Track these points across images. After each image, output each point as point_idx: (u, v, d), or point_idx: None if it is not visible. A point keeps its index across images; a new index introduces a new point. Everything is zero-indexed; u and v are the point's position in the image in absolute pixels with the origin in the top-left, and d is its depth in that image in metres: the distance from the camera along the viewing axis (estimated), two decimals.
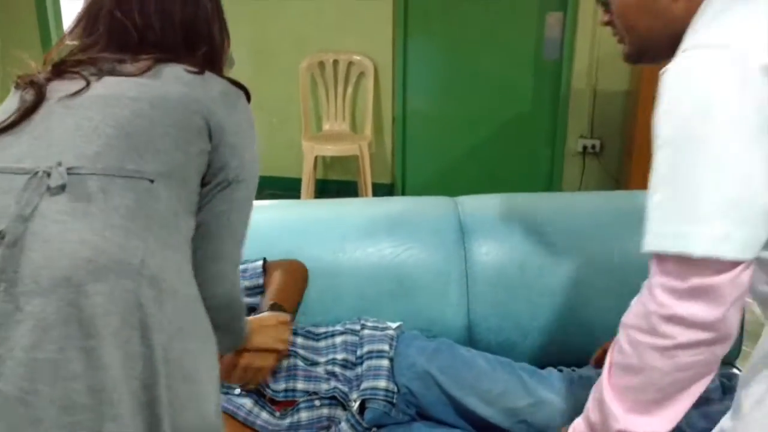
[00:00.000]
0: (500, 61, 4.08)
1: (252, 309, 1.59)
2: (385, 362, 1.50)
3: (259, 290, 1.62)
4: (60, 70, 1.04)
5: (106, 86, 1.00)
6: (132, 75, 1.01)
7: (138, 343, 0.88)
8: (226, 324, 1.12)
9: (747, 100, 0.81)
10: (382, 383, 1.46)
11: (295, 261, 1.67)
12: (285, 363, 1.50)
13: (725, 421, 0.99)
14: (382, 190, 4.30)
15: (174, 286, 0.93)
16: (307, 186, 4.11)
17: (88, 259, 0.87)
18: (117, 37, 1.06)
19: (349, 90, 4.24)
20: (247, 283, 1.62)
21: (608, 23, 1.08)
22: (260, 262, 1.63)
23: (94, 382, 0.85)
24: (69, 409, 0.84)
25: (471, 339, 1.74)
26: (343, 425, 1.42)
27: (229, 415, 1.40)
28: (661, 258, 0.86)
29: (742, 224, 0.83)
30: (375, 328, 1.59)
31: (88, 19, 1.08)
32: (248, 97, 1.12)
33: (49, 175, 0.91)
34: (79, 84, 1.00)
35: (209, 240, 1.05)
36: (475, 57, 4.11)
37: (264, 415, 1.41)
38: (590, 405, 0.98)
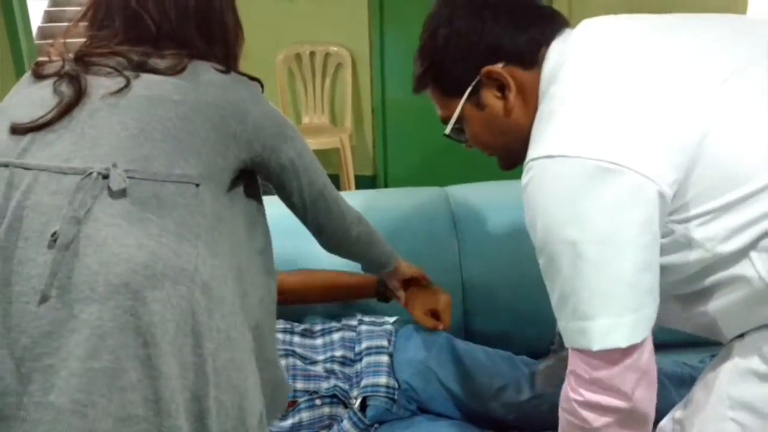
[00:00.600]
0: None
1: None
2: (385, 358, 1.49)
3: None
4: (86, 62, 1.00)
5: (149, 86, 0.98)
6: (167, 73, 1.00)
7: (190, 352, 0.86)
8: (374, 243, 1.33)
9: (592, 203, 0.87)
10: (383, 380, 1.45)
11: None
12: (283, 362, 1.47)
13: (677, 411, 1.02)
14: (364, 182, 4.27)
15: (222, 294, 0.92)
16: None
17: (145, 265, 0.85)
18: (134, 29, 1.03)
19: (327, 82, 4.20)
20: None
21: (471, 147, 1.17)
22: None
23: (151, 392, 0.83)
24: (126, 421, 0.82)
25: (467, 330, 1.73)
26: (346, 423, 1.40)
27: None
28: (572, 350, 0.94)
29: (625, 312, 0.89)
30: (372, 323, 1.58)
31: (101, 9, 1.06)
32: (262, 87, 1.14)
33: (104, 176, 0.88)
34: (119, 81, 0.97)
35: (314, 205, 1.16)
36: None
37: None
38: None
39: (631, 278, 0.88)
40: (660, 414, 1.03)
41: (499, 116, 1.07)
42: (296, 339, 1.55)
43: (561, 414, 1.01)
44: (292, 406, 1.41)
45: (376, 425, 1.43)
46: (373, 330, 1.55)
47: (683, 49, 0.95)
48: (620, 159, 0.86)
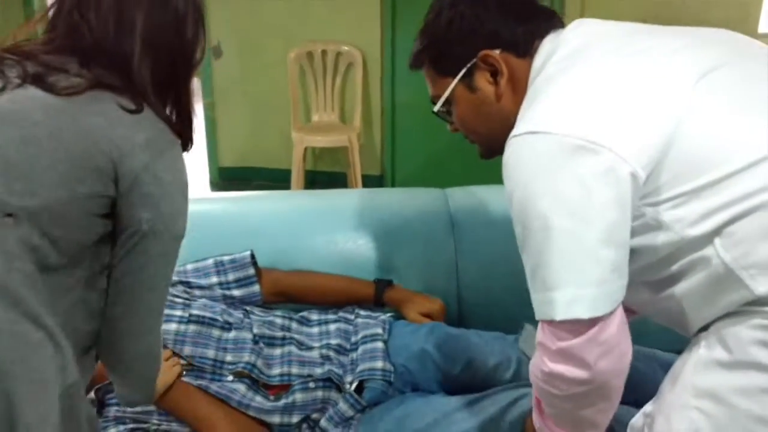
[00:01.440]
0: None
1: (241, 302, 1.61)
2: (380, 344, 1.53)
3: (252, 280, 1.64)
4: None
5: (14, 100, 0.93)
6: (60, 93, 0.93)
7: None
8: (141, 375, 1.09)
9: (567, 178, 0.91)
10: (379, 364, 1.50)
11: None
12: (279, 351, 1.52)
13: (647, 406, 1.05)
14: (371, 181, 4.31)
15: None
16: (296, 177, 4.11)
17: None
18: (70, 38, 0.99)
19: (338, 80, 4.24)
20: (239, 274, 1.64)
21: (456, 130, 1.21)
22: (248, 252, 1.65)
23: None
24: None
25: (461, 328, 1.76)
26: (342, 405, 1.44)
27: (222, 400, 1.41)
28: (541, 322, 0.99)
29: (587, 285, 0.92)
30: (368, 317, 1.62)
31: (54, 13, 1.02)
32: (186, 145, 1.05)
33: None
34: None
35: (126, 294, 1.00)
36: None
37: (258, 398, 1.43)
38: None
39: (595, 252, 0.92)
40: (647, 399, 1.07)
41: (488, 101, 1.12)
42: (294, 325, 1.59)
43: (532, 381, 1.07)
44: (286, 389, 1.45)
45: (372, 407, 1.46)
46: (368, 322, 1.60)
47: (663, 48, 1.00)
48: (597, 138, 0.90)
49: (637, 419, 1.06)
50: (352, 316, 1.63)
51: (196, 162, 4.92)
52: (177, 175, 1.01)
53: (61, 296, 0.96)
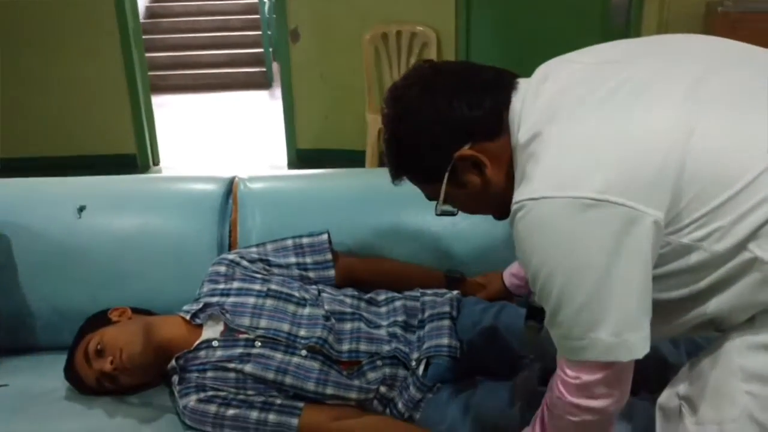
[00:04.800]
0: (565, 28, 4.00)
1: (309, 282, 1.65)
2: (447, 322, 1.55)
3: (329, 264, 1.68)
4: None
5: None
6: None
7: None
8: None
9: (585, 240, 0.93)
10: (445, 340, 1.51)
11: None
12: (349, 326, 1.56)
13: (680, 387, 1.05)
14: None
15: None
16: (371, 158, 4.16)
17: None
18: None
19: (413, 61, 4.24)
20: (317, 258, 1.68)
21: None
22: (325, 236, 1.69)
23: None
24: None
25: None
26: (412, 389, 1.47)
27: (301, 379, 1.46)
28: (567, 360, 1.02)
29: (629, 332, 0.96)
30: (435, 295, 1.64)
31: None
32: None
33: None
34: None
35: None
36: (540, 25, 4.05)
37: (333, 374, 1.47)
38: None
39: (631, 300, 0.95)
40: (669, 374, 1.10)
41: (480, 189, 1.11)
42: (363, 305, 1.63)
43: (550, 406, 1.09)
44: (356, 366, 1.49)
45: (438, 385, 1.47)
46: (436, 300, 1.62)
47: (639, 78, 0.99)
48: (599, 194, 0.91)
49: (669, 399, 1.06)
50: (418, 294, 1.66)
51: (275, 144, 5.05)
52: None
53: None
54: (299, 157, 4.64)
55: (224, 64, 7.62)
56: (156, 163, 4.81)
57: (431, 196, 1.17)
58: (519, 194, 0.99)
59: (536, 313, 1.34)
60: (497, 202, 1.12)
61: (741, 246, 0.90)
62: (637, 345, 0.96)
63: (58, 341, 1.74)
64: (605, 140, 0.94)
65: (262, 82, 7.53)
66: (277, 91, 7.16)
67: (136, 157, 4.65)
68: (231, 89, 7.39)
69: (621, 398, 1.04)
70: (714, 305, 0.97)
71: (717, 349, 1.00)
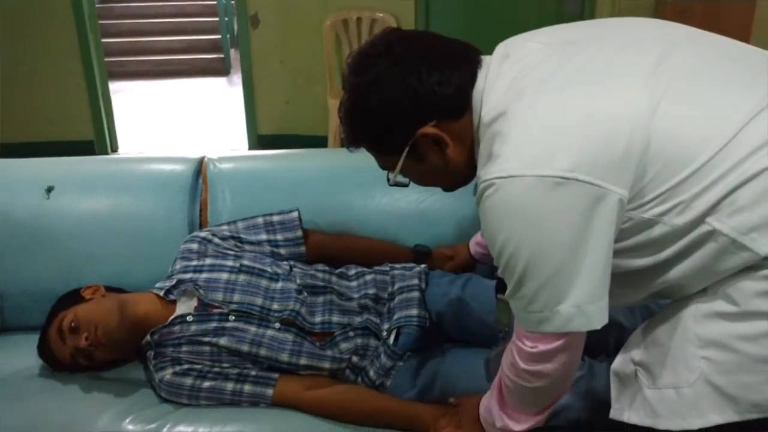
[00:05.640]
0: (521, 15, 4.09)
1: (282, 258, 1.69)
2: (416, 294, 1.61)
3: (299, 241, 1.72)
4: None
5: None
6: None
7: None
8: None
9: (551, 217, 0.95)
10: (414, 311, 1.57)
11: None
12: (321, 299, 1.61)
13: (635, 354, 1.11)
14: None
15: None
16: (333, 143, 4.19)
17: None
18: None
19: None
20: (288, 235, 1.72)
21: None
22: (295, 213, 1.74)
23: None
24: None
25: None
26: (383, 358, 1.52)
27: (275, 351, 1.51)
28: (525, 331, 1.06)
29: (590, 303, 0.99)
30: (404, 269, 1.70)
31: None
32: None
33: None
34: None
35: None
36: (496, 13, 4.13)
37: (306, 345, 1.52)
38: (491, 395, 1.24)
39: (594, 274, 0.98)
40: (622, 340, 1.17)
41: (438, 166, 1.11)
42: (334, 279, 1.68)
43: (504, 374, 1.16)
44: (329, 337, 1.55)
45: (408, 353, 1.53)
46: (405, 273, 1.68)
47: (601, 58, 1.01)
48: (567, 172, 0.93)
49: (624, 365, 1.11)
50: (387, 269, 1.71)
51: (235, 130, 5.04)
52: None
53: None
54: (260, 143, 4.64)
55: (181, 51, 7.53)
56: (114, 149, 4.76)
57: (386, 166, 1.16)
58: (487, 172, 0.99)
59: (505, 287, 1.42)
60: (452, 178, 1.16)
61: (700, 219, 0.94)
62: (596, 316, 0.99)
63: (27, 322, 1.75)
64: (571, 120, 0.95)
65: (220, 69, 7.47)
66: (236, 78, 7.13)
67: (93, 143, 4.59)
68: (189, 76, 7.31)
69: (573, 364, 1.10)
70: (674, 274, 1.00)
71: (673, 318, 1.03)
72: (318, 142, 4.26)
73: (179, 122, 5.86)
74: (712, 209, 0.93)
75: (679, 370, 1.01)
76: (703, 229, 0.94)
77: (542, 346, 1.05)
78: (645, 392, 1.05)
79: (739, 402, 0.96)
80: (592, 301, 0.99)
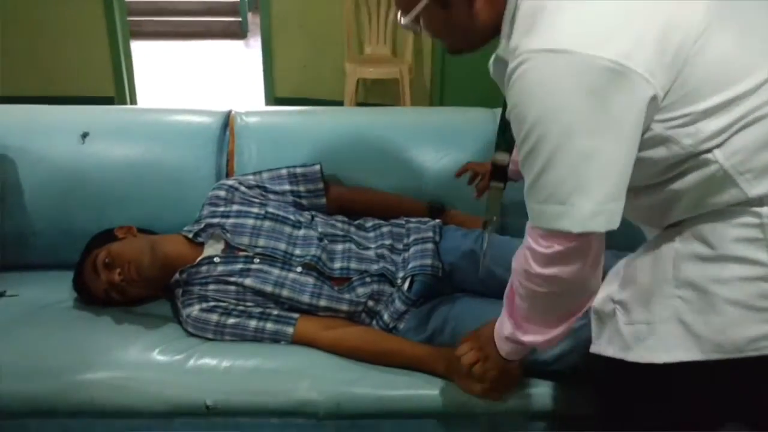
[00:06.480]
0: None
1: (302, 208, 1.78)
2: (430, 245, 1.70)
3: (320, 193, 1.82)
4: None
5: None
6: None
7: None
8: None
9: (594, 98, 0.90)
10: (429, 261, 1.66)
11: None
12: (341, 247, 1.70)
13: (615, 293, 1.12)
14: None
15: None
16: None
17: None
18: None
19: (392, 12, 4.33)
20: (310, 186, 1.82)
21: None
22: (318, 167, 1.82)
23: None
24: None
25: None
26: (397, 303, 1.62)
27: (297, 292, 1.60)
28: (538, 229, 1.02)
29: (609, 201, 0.95)
30: (419, 222, 1.79)
31: None
32: None
33: None
34: None
35: None
36: None
37: (326, 288, 1.62)
38: (503, 308, 1.23)
39: (616, 170, 0.95)
40: None
41: (461, 19, 1.05)
42: (352, 229, 1.77)
43: (516, 282, 1.12)
44: (347, 282, 1.64)
45: (421, 300, 1.62)
46: (420, 226, 1.77)
47: None
48: (625, 60, 0.89)
49: (604, 304, 1.14)
50: (403, 222, 1.80)
51: (253, 93, 5.11)
52: None
53: None
54: (277, 105, 4.71)
55: (200, 12, 7.57)
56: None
57: (406, 7, 1.08)
58: (526, 43, 0.93)
59: (500, 174, 1.43)
60: (466, 36, 1.09)
61: (709, 149, 0.94)
62: (615, 215, 0.96)
63: (61, 259, 1.85)
64: (633, 9, 0.92)
65: (237, 32, 7.51)
66: (252, 41, 7.19)
67: (114, 99, 4.67)
68: (206, 38, 7.36)
69: (589, 273, 1.06)
70: (664, 195, 1.02)
71: (653, 258, 1.07)
72: (334, 105, 4.33)
73: (197, 83, 5.93)
74: (723, 142, 0.94)
75: (653, 308, 1.05)
76: (707, 157, 0.95)
77: (558, 246, 1.00)
78: (621, 327, 1.09)
79: (705, 341, 1.00)
80: (614, 198, 0.96)
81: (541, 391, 1.48)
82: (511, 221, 1.89)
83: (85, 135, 1.90)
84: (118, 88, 4.68)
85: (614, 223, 0.97)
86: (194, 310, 1.61)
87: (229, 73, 6.25)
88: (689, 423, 1.07)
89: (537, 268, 1.05)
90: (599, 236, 1.02)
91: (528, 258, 1.06)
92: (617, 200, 0.97)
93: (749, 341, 0.98)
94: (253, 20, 7.56)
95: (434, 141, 1.96)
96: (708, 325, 1.00)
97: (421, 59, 4.45)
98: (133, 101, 4.84)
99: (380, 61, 4.33)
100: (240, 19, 7.56)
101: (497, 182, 1.45)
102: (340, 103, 4.30)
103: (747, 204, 0.97)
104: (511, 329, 1.20)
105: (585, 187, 0.94)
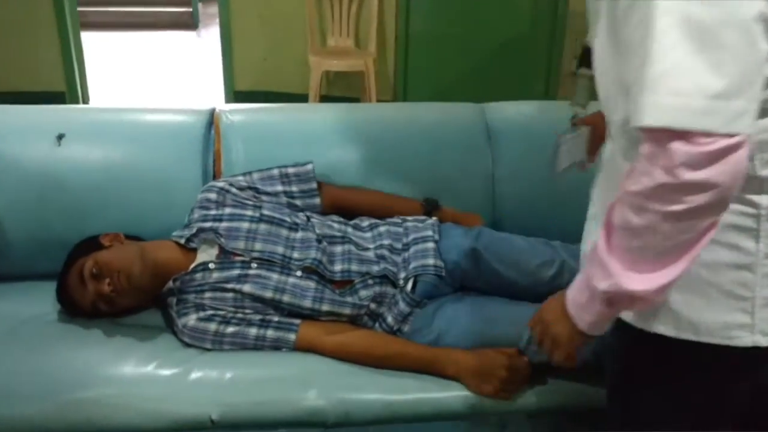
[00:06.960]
0: None
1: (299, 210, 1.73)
2: (431, 244, 1.67)
3: (314, 193, 1.77)
4: None
5: None
6: None
7: None
8: None
9: None
10: (430, 261, 1.64)
11: None
12: (340, 248, 1.66)
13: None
14: None
15: None
16: (313, 101, 4.19)
17: None
18: None
19: (354, 6, 4.27)
20: (303, 186, 1.76)
21: None
22: (310, 165, 1.77)
23: None
24: None
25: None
26: (401, 304, 1.59)
27: (298, 297, 1.56)
28: (669, 132, 0.85)
29: (754, 100, 0.84)
30: (416, 221, 1.76)
31: None
32: None
33: None
34: None
35: None
36: None
37: (327, 292, 1.57)
38: (588, 265, 1.03)
39: (763, 67, 0.85)
40: None
41: None
42: (349, 230, 1.73)
43: (630, 202, 0.92)
44: (349, 285, 1.60)
45: (425, 300, 1.60)
46: (417, 225, 1.74)
47: None
48: None
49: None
50: (399, 221, 1.77)
51: (212, 85, 4.98)
52: None
53: None
54: (237, 99, 4.60)
55: (149, 3, 7.34)
56: (86, 101, 4.66)
57: None
58: None
59: (589, 59, 1.15)
60: None
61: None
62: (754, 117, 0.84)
63: (37, 270, 1.76)
64: None
65: (188, 23, 7.31)
66: (204, 32, 7.02)
67: (64, 94, 4.49)
68: (155, 29, 7.14)
69: (741, 174, 0.87)
70: None
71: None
72: (297, 99, 4.24)
73: (150, 76, 5.75)
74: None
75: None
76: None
77: (711, 147, 0.83)
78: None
79: (681, 319, 1.01)
80: (758, 99, 0.85)
81: (551, 388, 1.48)
82: (506, 218, 1.90)
83: (60, 137, 1.80)
84: (69, 83, 4.50)
85: (754, 127, 0.86)
86: (191, 319, 1.54)
87: (182, 65, 6.08)
88: (693, 414, 1.08)
89: (686, 174, 0.85)
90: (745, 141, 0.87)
91: (672, 168, 0.85)
92: (757, 101, 0.85)
93: (722, 327, 1.00)
94: (204, 10, 7.38)
95: (424, 137, 1.93)
96: (687, 305, 1.01)
97: (384, 51, 4.41)
98: (85, 96, 4.66)
99: (344, 54, 4.27)
100: (191, 9, 7.37)
101: (586, 69, 1.27)
102: (304, 97, 4.22)
103: (748, 188, 0.95)
104: (611, 279, 0.97)
105: (738, 81, 0.83)
